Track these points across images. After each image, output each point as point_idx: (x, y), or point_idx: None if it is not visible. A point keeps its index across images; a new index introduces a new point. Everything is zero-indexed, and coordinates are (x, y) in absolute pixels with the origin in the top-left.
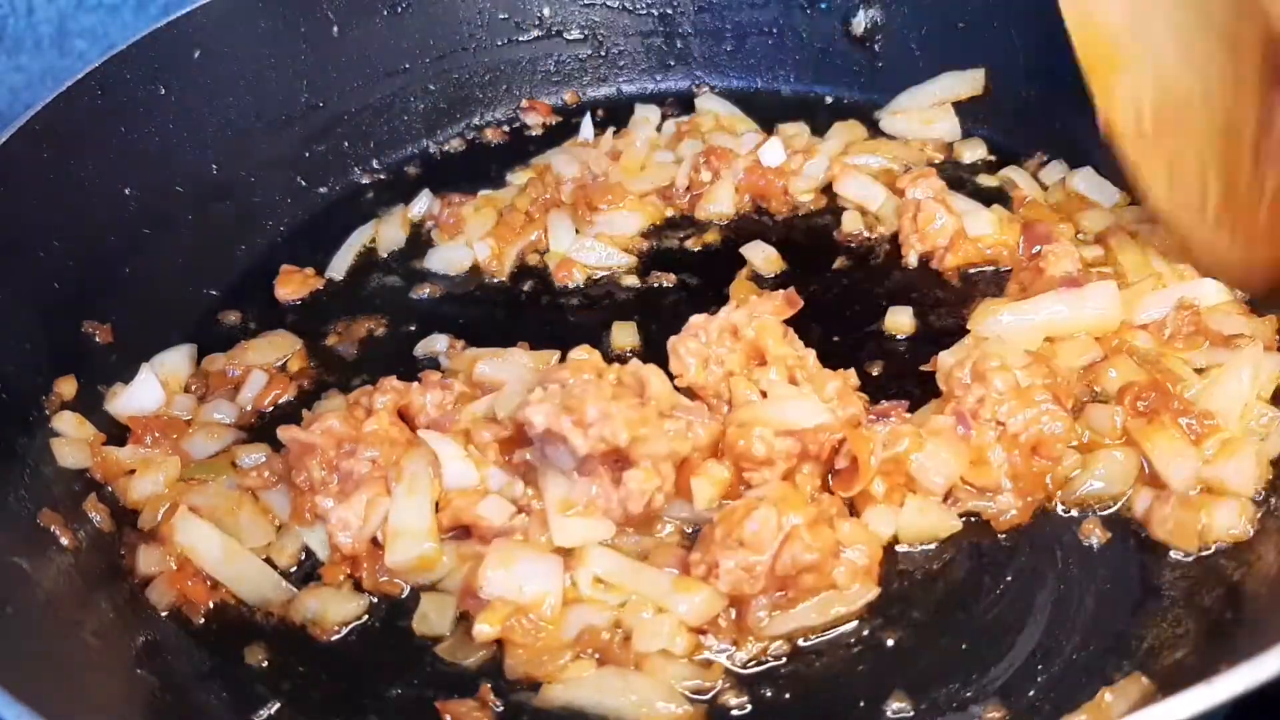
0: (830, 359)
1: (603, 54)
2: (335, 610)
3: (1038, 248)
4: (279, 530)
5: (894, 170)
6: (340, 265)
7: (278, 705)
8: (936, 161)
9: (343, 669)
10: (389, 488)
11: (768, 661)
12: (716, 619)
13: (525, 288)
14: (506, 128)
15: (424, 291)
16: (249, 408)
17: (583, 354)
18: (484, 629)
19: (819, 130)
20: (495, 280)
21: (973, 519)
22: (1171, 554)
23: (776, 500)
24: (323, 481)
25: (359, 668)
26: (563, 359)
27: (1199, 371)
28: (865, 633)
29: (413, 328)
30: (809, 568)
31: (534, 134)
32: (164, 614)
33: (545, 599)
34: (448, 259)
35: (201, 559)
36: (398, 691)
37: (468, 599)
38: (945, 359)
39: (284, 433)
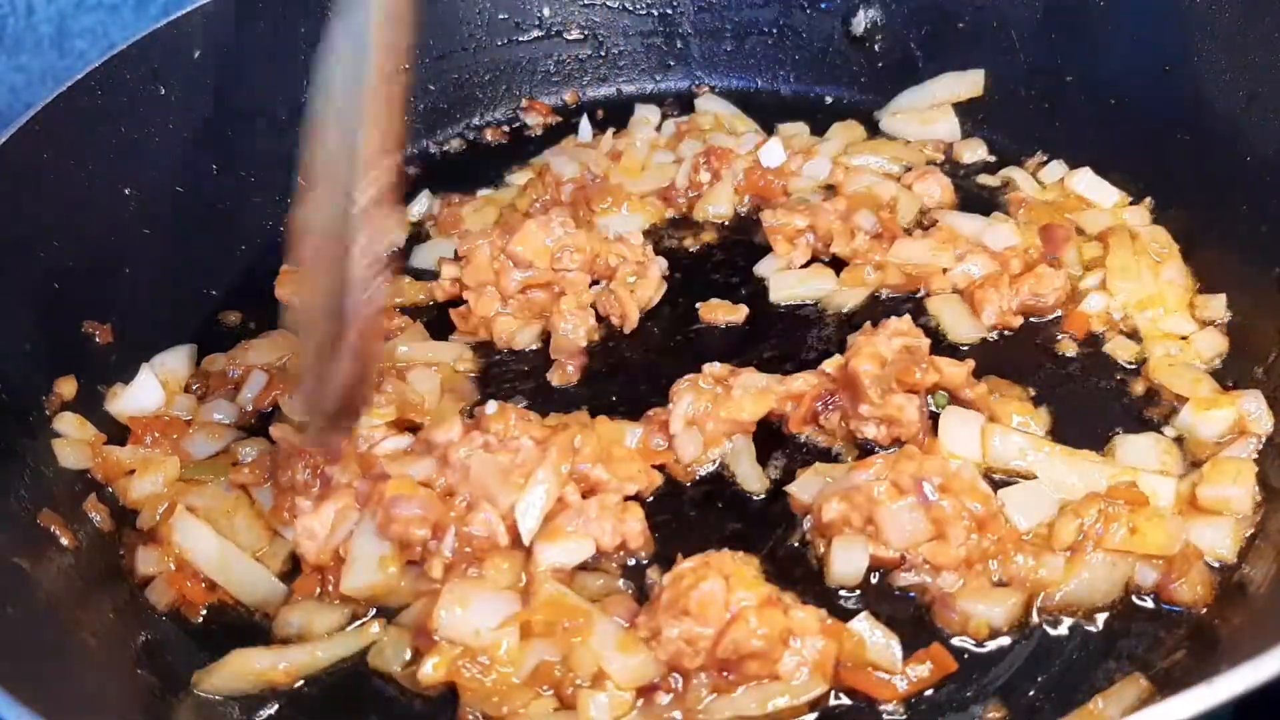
0: None
1: (603, 54)
2: (319, 622)
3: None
4: (273, 533)
5: (894, 171)
6: None
7: (278, 705)
8: (936, 161)
9: (343, 669)
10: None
11: None
12: (657, 687)
13: None
14: (506, 128)
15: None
16: (249, 408)
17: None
18: (428, 671)
19: (819, 130)
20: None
21: None
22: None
23: (728, 573)
24: (305, 484)
25: (359, 668)
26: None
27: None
28: None
29: None
30: (753, 655)
31: (534, 134)
32: (163, 614)
33: (500, 643)
34: (437, 256)
35: (198, 560)
36: (398, 692)
37: (419, 637)
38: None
39: (276, 430)
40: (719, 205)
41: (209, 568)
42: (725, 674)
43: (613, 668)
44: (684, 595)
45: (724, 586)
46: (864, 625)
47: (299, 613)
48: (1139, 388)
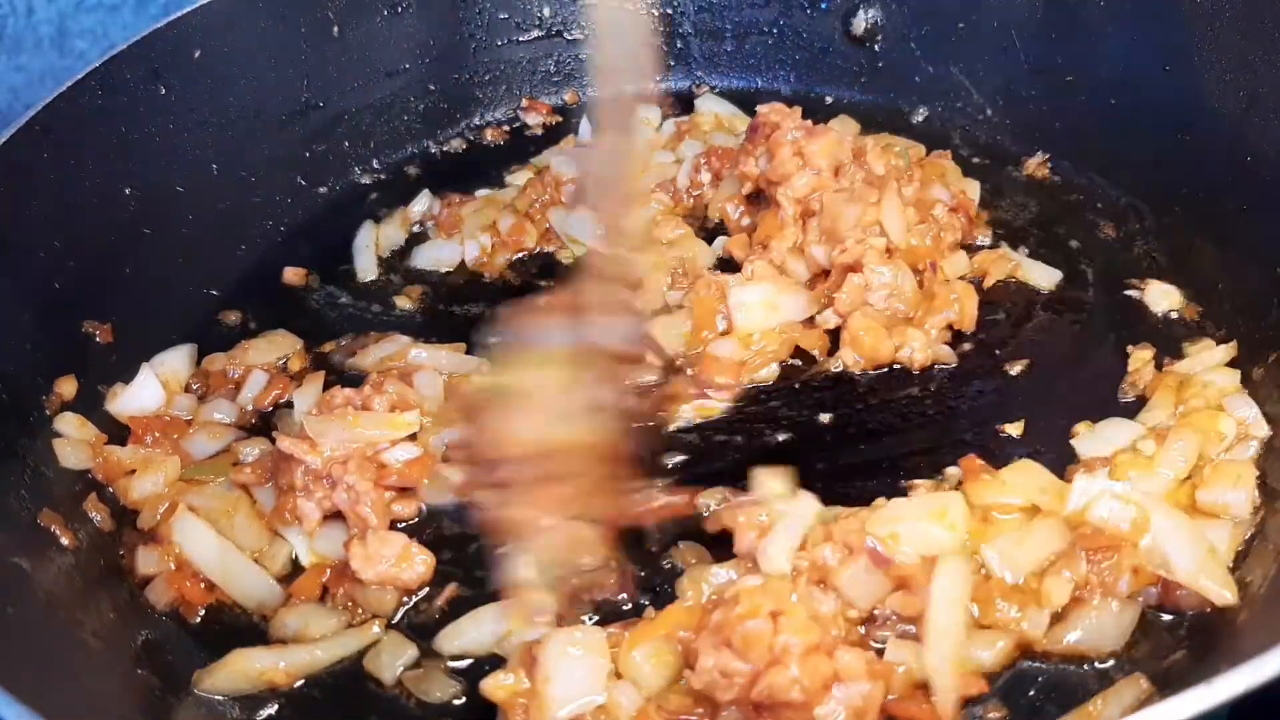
0: None
1: None
2: (316, 625)
3: None
4: (273, 534)
5: None
6: (368, 267)
7: (277, 705)
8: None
9: (343, 670)
10: None
11: None
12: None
13: (518, 285)
14: (506, 128)
15: (418, 292)
16: (249, 408)
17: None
18: (492, 684)
19: None
20: (487, 278)
21: None
22: None
23: (779, 610)
24: (304, 486)
25: (360, 669)
26: None
27: None
28: None
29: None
30: (788, 705)
31: (534, 134)
32: (163, 614)
33: (589, 707)
34: (437, 257)
35: (197, 560)
36: (398, 693)
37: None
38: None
39: (279, 438)
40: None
41: (208, 568)
42: (758, 710)
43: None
44: (731, 624)
45: (771, 627)
46: (903, 653)
47: (296, 615)
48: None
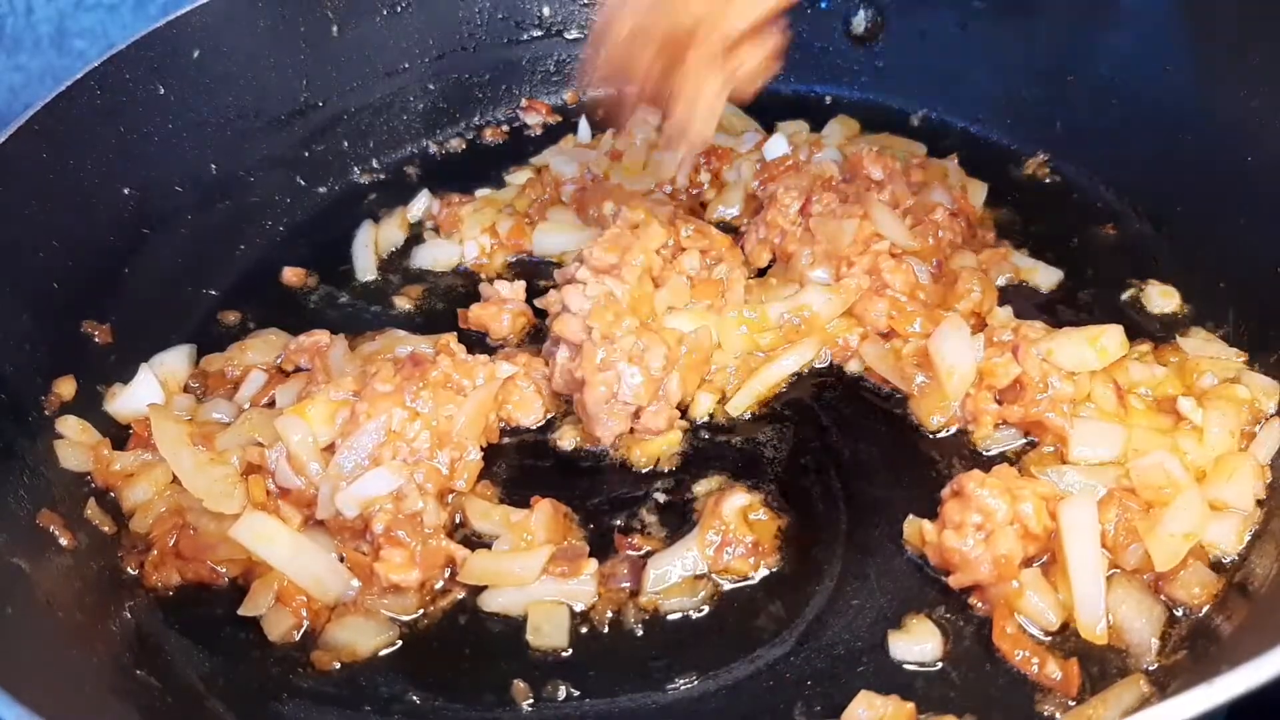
0: None
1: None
2: (365, 641)
3: None
4: None
5: None
6: (367, 267)
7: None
8: None
9: (343, 671)
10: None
11: None
12: None
13: None
14: (506, 128)
15: (417, 292)
16: (247, 406)
17: None
18: None
19: (818, 130)
20: (486, 278)
21: None
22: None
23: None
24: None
25: (358, 670)
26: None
27: None
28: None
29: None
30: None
31: (534, 134)
32: (163, 614)
33: None
34: (436, 257)
35: (268, 557)
36: (394, 690)
37: None
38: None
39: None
40: (730, 207)
41: (281, 563)
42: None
43: None
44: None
45: None
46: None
47: (344, 628)
48: None
